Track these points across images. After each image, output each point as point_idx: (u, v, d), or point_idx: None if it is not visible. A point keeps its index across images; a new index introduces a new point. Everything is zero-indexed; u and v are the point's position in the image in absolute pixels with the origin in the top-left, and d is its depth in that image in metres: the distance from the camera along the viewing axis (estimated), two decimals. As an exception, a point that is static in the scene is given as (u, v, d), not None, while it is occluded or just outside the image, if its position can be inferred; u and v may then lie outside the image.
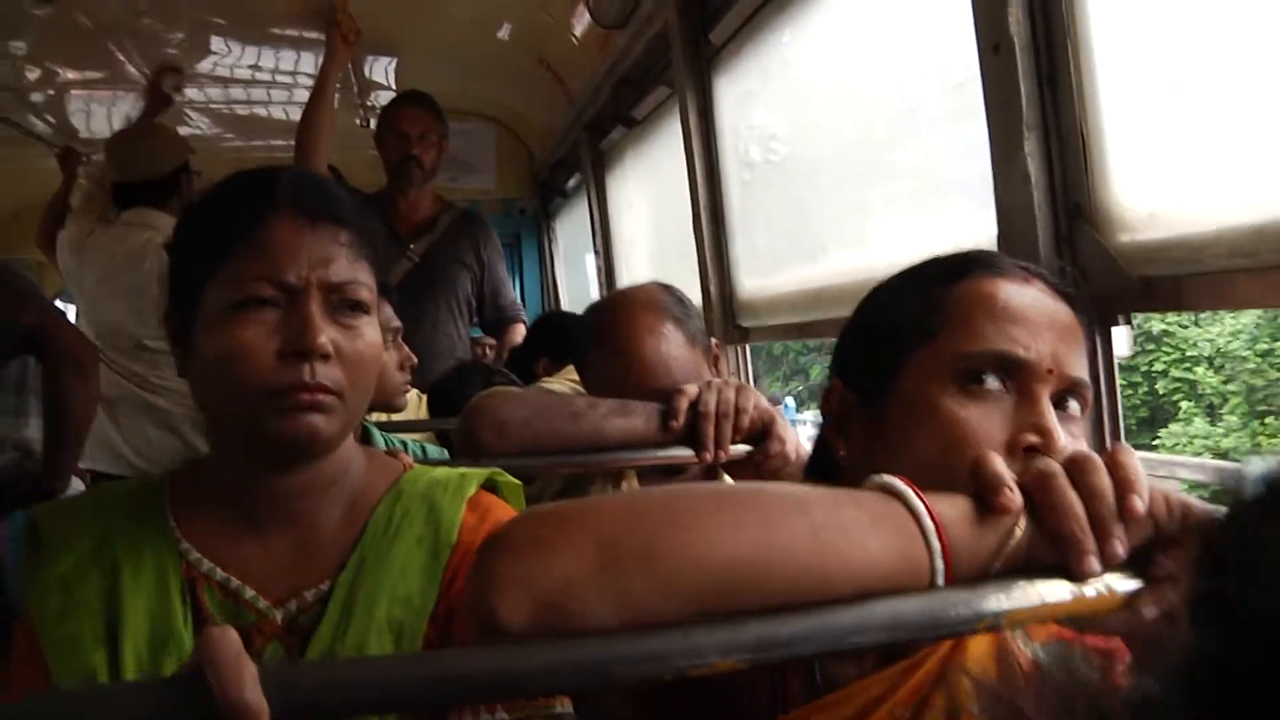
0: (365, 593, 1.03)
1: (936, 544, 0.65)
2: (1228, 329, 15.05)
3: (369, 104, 4.47)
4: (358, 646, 1.00)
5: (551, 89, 4.19)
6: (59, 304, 3.42)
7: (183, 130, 4.42)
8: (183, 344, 1.04)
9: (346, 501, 1.09)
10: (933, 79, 1.81)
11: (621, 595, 0.62)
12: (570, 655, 0.61)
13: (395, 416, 2.44)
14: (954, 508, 0.67)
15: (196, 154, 3.41)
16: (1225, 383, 15.52)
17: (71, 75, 4.06)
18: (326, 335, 0.98)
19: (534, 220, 5.48)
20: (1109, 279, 1.35)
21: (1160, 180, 1.33)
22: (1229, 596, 0.50)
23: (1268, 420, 14.74)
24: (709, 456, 1.59)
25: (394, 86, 4.45)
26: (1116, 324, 1.37)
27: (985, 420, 0.88)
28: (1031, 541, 0.67)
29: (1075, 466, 0.69)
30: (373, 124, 3.76)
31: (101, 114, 4.50)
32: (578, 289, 5.15)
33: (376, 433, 1.99)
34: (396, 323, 2.02)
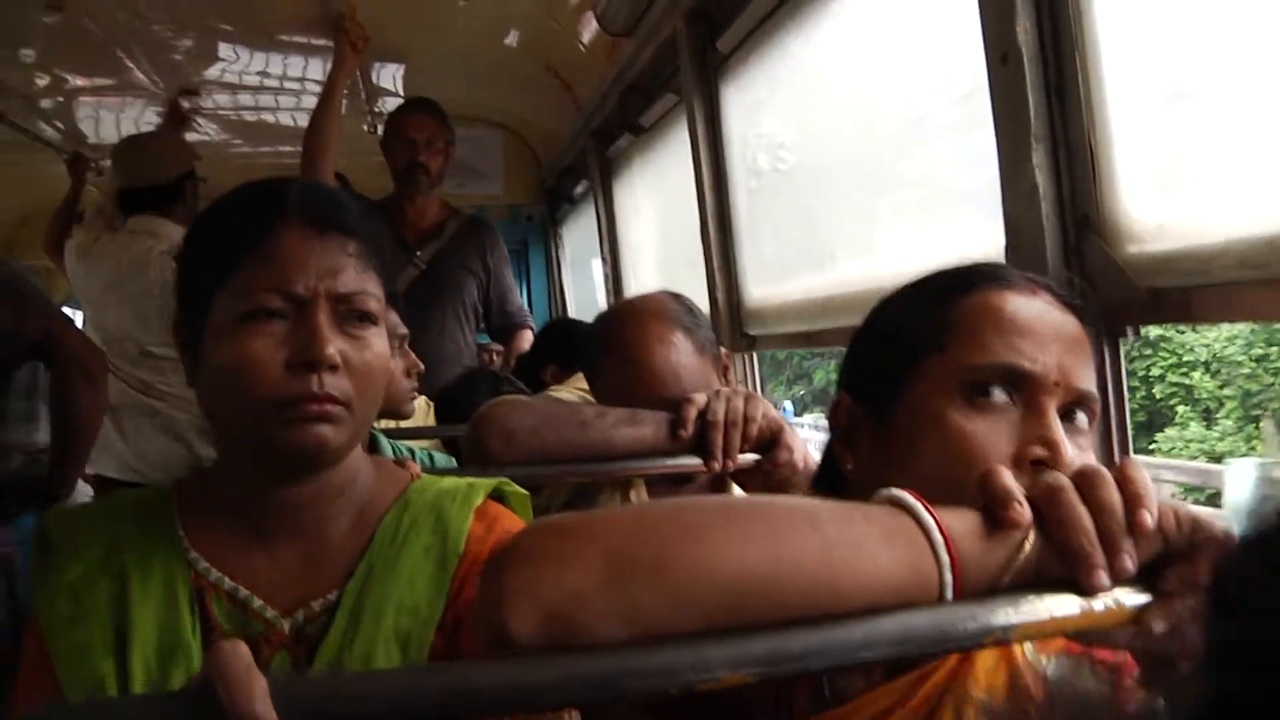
0: (373, 602, 1.03)
1: (946, 558, 0.65)
2: (1224, 334, 15.12)
3: (377, 110, 4.48)
4: (365, 656, 1.01)
5: (559, 96, 4.20)
6: (66, 310, 3.42)
7: (190, 136, 4.43)
8: (192, 353, 1.05)
9: (354, 511, 1.09)
10: (941, 89, 1.81)
11: (631, 608, 0.62)
12: (579, 668, 0.61)
13: (403, 423, 2.45)
14: (963, 522, 0.67)
15: (203, 160, 3.42)
16: (1221, 387, 15.58)
17: (80, 81, 4.07)
18: (334, 346, 0.98)
19: (541, 227, 5.48)
20: (1117, 290, 1.34)
21: (1169, 191, 1.33)
22: (1247, 641, 0.51)
23: (1262, 424, 14.78)
24: (717, 465, 1.59)
25: (402, 93, 4.46)
26: (1125, 335, 1.37)
27: (992, 433, 0.88)
28: (1040, 556, 0.67)
29: (1084, 480, 0.68)
30: (380, 130, 3.76)
31: (110, 120, 4.51)
32: (585, 295, 5.15)
33: (384, 440, 1.99)
34: (403, 329, 2.02)
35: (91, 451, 2.76)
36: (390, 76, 4.36)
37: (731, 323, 2.88)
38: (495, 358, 3.89)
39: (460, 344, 3.68)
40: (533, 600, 0.62)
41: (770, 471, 1.62)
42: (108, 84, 4.07)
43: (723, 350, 1.82)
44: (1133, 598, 0.66)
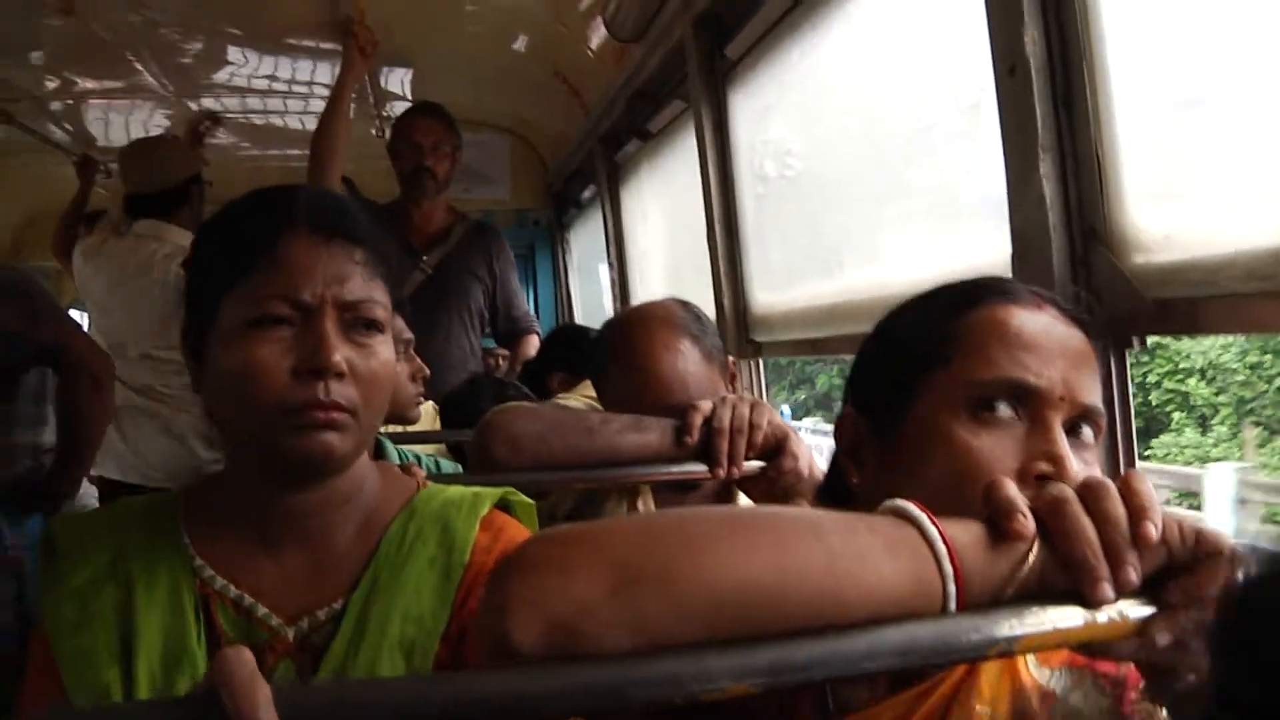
0: (378, 611, 1.03)
1: (949, 569, 0.65)
2: (1219, 342, 15.15)
3: (385, 114, 4.49)
4: (370, 666, 1.01)
5: (567, 101, 4.20)
6: (73, 313, 3.44)
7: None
8: (198, 358, 1.05)
9: (360, 519, 1.09)
10: (949, 98, 1.81)
11: (635, 618, 0.62)
12: (584, 678, 0.61)
13: (408, 428, 2.45)
14: (967, 533, 0.67)
15: (210, 164, 3.43)
16: (1216, 394, 15.61)
17: (89, 84, 4.09)
18: (341, 354, 0.98)
19: (548, 231, 5.48)
20: (1124, 301, 1.34)
21: (1176, 202, 1.32)
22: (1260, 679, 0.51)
23: (1256, 431, 14.82)
24: (722, 472, 1.59)
25: (410, 97, 4.47)
26: (1131, 346, 1.37)
27: (997, 448, 0.88)
28: (1044, 567, 0.67)
29: (1089, 492, 0.69)
30: (387, 135, 3.77)
31: (119, 123, 4.52)
32: (592, 300, 5.15)
33: (390, 446, 1.99)
34: (409, 334, 2.02)
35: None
36: (398, 81, 4.37)
37: (738, 329, 2.88)
38: (501, 363, 3.89)
39: (465, 349, 3.68)
40: (536, 610, 0.62)
41: (775, 479, 1.62)
42: (117, 87, 4.08)
43: (730, 358, 1.83)
44: (1136, 610, 0.67)
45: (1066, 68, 1.41)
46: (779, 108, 2.63)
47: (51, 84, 4.01)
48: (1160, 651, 0.67)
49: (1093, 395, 0.91)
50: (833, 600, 0.64)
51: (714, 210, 2.94)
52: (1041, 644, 0.67)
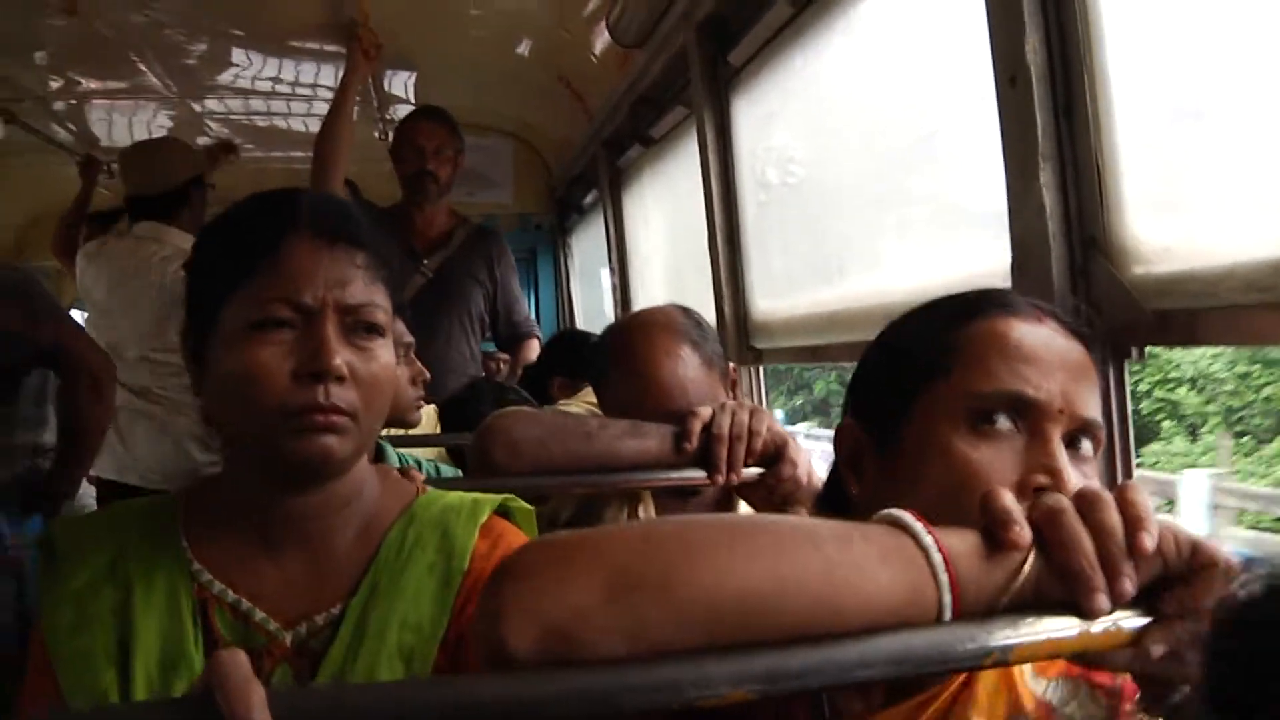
0: (377, 617, 1.03)
1: (945, 578, 0.65)
2: (1209, 352, 15.21)
3: (388, 118, 4.49)
4: (368, 672, 1.01)
5: (570, 106, 4.20)
6: (73, 313, 3.44)
7: (203, 141, 4.45)
8: (199, 362, 1.05)
9: (360, 523, 1.09)
10: (950, 106, 1.81)
11: (633, 625, 0.63)
12: (579, 683, 0.61)
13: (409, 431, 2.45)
14: (963, 542, 0.68)
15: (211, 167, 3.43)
16: (1206, 404, 15.66)
17: (93, 85, 4.09)
18: (341, 357, 0.98)
19: (550, 236, 5.49)
20: (1123, 311, 1.34)
21: (1175, 213, 1.33)
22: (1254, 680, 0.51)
23: (1243, 440, 14.90)
24: (721, 479, 1.60)
25: (413, 100, 4.47)
26: (1130, 357, 1.37)
27: (996, 460, 0.88)
28: (1040, 577, 0.67)
29: (1085, 503, 0.69)
30: (390, 138, 3.78)
31: (122, 123, 4.53)
32: (593, 305, 5.15)
33: (390, 449, 2.00)
34: (409, 338, 2.02)
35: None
36: (402, 84, 4.37)
37: (738, 336, 2.88)
38: (502, 367, 3.89)
39: (466, 353, 3.69)
40: (532, 616, 0.63)
41: (774, 486, 1.63)
42: (120, 87, 4.09)
43: (731, 365, 1.83)
44: (1132, 620, 0.67)
45: (1067, 77, 1.41)
46: (781, 115, 2.63)
47: (55, 84, 4.01)
48: (1155, 662, 0.67)
49: (1092, 409, 0.91)
50: (829, 608, 0.64)
51: (715, 216, 2.94)
52: (1036, 654, 0.67)
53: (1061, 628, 0.66)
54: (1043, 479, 0.86)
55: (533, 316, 4.18)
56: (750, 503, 1.72)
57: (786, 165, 2.63)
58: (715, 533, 0.67)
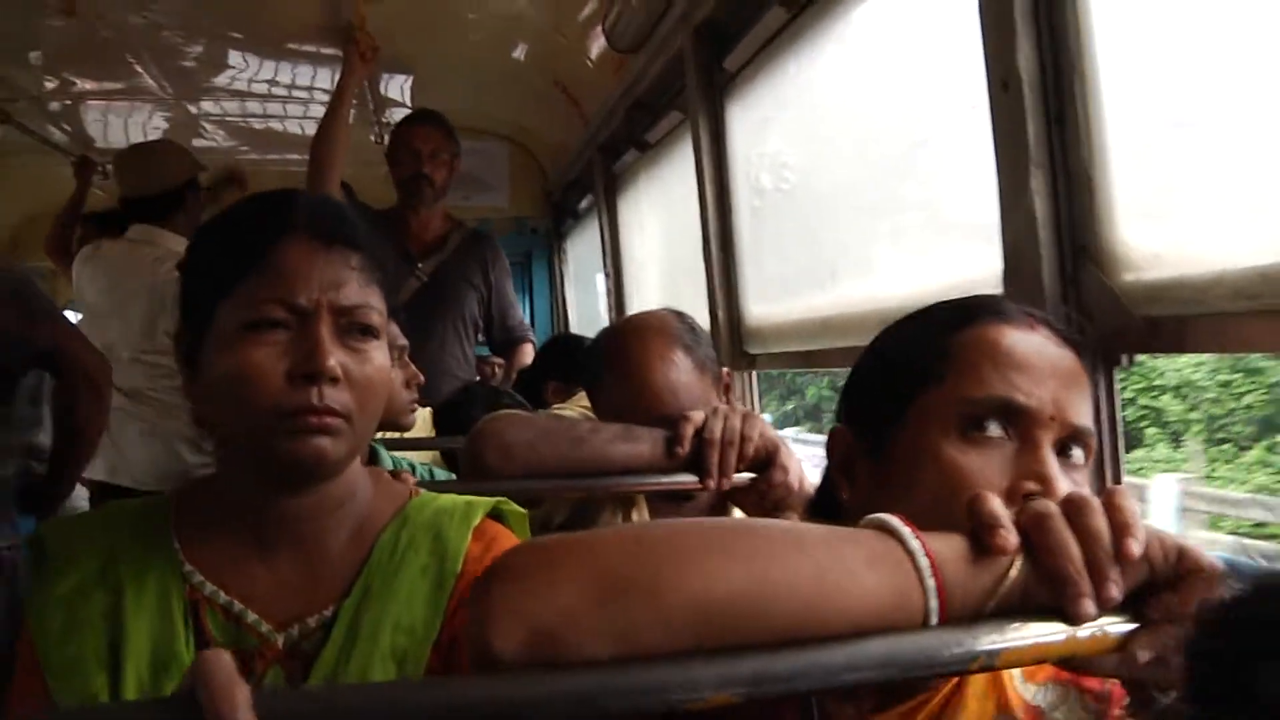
0: (370, 619, 1.03)
1: (931, 582, 0.66)
2: (1192, 360, 15.32)
3: (384, 121, 4.49)
4: (361, 674, 1.00)
5: (566, 110, 4.21)
6: (67, 314, 3.45)
7: (199, 143, 4.46)
8: (192, 363, 1.05)
9: (353, 525, 1.09)
10: (943, 113, 1.82)
11: (619, 629, 0.63)
12: (564, 685, 0.61)
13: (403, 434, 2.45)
14: (949, 546, 0.68)
15: (208, 170, 3.43)
16: (1189, 411, 15.75)
17: (89, 85, 4.09)
18: (336, 358, 0.98)
19: (545, 240, 5.49)
20: (1113, 318, 1.35)
21: (1165, 220, 1.33)
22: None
23: (1224, 446, 15.00)
24: (713, 484, 1.60)
25: (409, 104, 4.48)
26: (1120, 364, 1.37)
27: (986, 467, 0.88)
28: (1027, 582, 0.67)
29: (1072, 508, 0.69)
30: (387, 141, 3.78)
31: (118, 125, 4.53)
32: (588, 309, 5.16)
33: (384, 452, 1.99)
34: (403, 341, 2.02)
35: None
36: (398, 87, 4.38)
37: (732, 342, 2.88)
38: (496, 371, 3.90)
39: (459, 357, 3.69)
40: (518, 618, 0.63)
41: (765, 491, 1.63)
42: (116, 89, 4.09)
43: (724, 369, 1.83)
44: (1118, 626, 0.67)
45: (1059, 84, 1.42)
46: (776, 120, 2.64)
47: (51, 84, 4.01)
48: (1142, 668, 0.67)
49: (1083, 416, 0.92)
50: (816, 612, 0.64)
51: (710, 222, 2.94)
52: (1023, 659, 0.67)
53: (1048, 633, 0.66)
54: (1032, 485, 0.86)
55: (527, 321, 4.18)
56: (742, 508, 1.72)
57: (781, 171, 2.63)
58: (703, 537, 0.67)
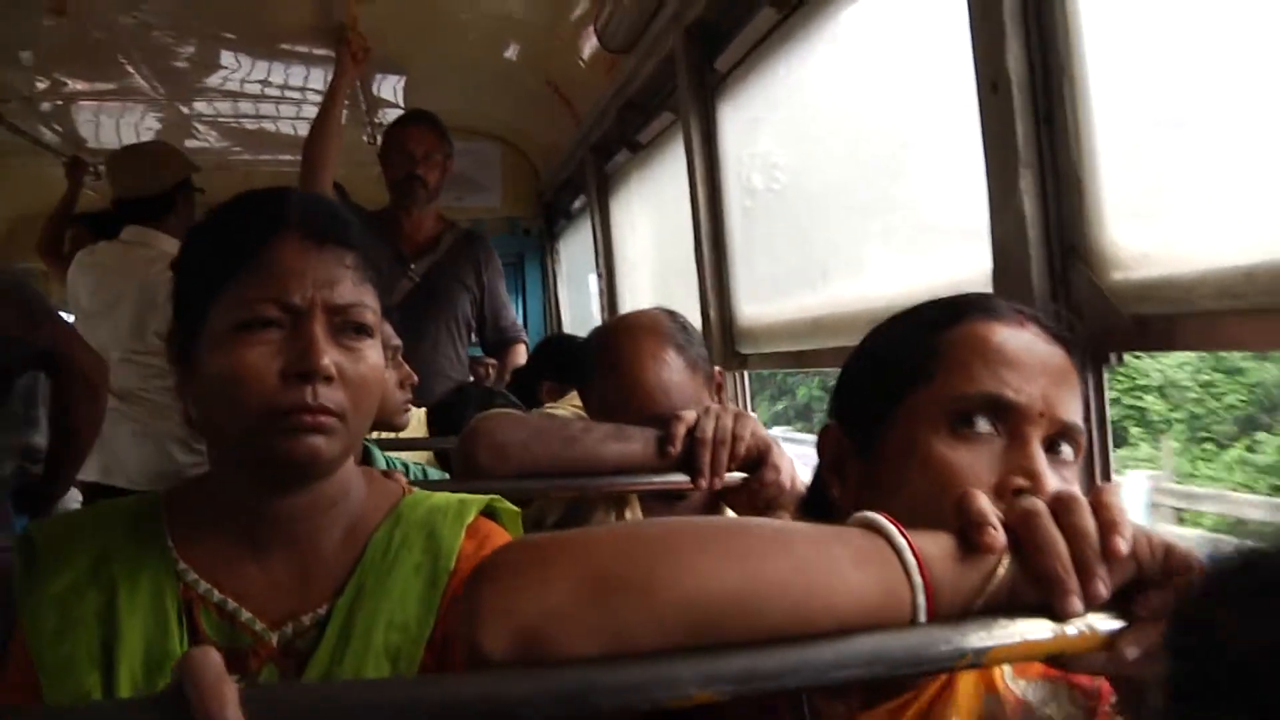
0: (363, 618, 1.03)
1: (919, 580, 0.66)
2: (1175, 361, 15.46)
3: (377, 121, 4.49)
4: (354, 672, 1.00)
5: (558, 110, 4.21)
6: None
7: (191, 144, 4.45)
8: (185, 362, 1.05)
9: (347, 524, 1.09)
10: (933, 114, 1.82)
11: (605, 627, 0.63)
12: (551, 682, 0.61)
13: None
14: (937, 544, 0.68)
15: (202, 169, 3.42)
16: (1171, 410, 15.88)
17: (80, 86, 4.08)
18: (330, 357, 0.98)
19: (538, 240, 5.49)
20: (1102, 317, 1.35)
21: (1154, 220, 1.34)
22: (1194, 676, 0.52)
23: (1206, 445, 15.14)
24: (704, 483, 1.60)
25: (402, 104, 4.47)
26: (1109, 362, 1.38)
27: (976, 463, 0.88)
28: (1015, 580, 0.68)
29: (1060, 506, 0.69)
30: (379, 141, 3.78)
31: (110, 125, 4.52)
32: (581, 310, 5.16)
33: (377, 452, 1.99)
34: (396, 341, 2.02)
35: (82, 457, 2.77)
36: (390, 88, 4.38)
37: (724, 342, 2.88)
38: (490, 372, 3.90)
39: (452, 358, 3.69)
40: (507, 617, 0.63)
41: (757, 491, 1.63)
42: (108, 89, 4.08)
43: (716, 369, 1.83)
44: (1106, 623, 0.67)
45: (1048, 85, 1.42)
46: (767, 121, 2.64)
47: (42, 84, 4.00)
48: (1129, 665, 0.68)
49: (1073, 413, 0.92)
50: (802, 610, 0.64)
51: (701, 222, 2.94)
52: (1010, 656, 0.67)
53: (1036, 630, 0.66)
54: (1021, 481, 0.87)
55: (520, 321, 4.18)
56: (734, 507, 1.72)
57: (771, 171, 2.64)
58: (690, 536, 0.67)
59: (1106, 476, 1.40)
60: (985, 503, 0.70)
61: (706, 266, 2.94)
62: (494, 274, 3.81)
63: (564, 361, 2.91)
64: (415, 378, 2.17)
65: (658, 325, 1.75)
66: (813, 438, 1.07)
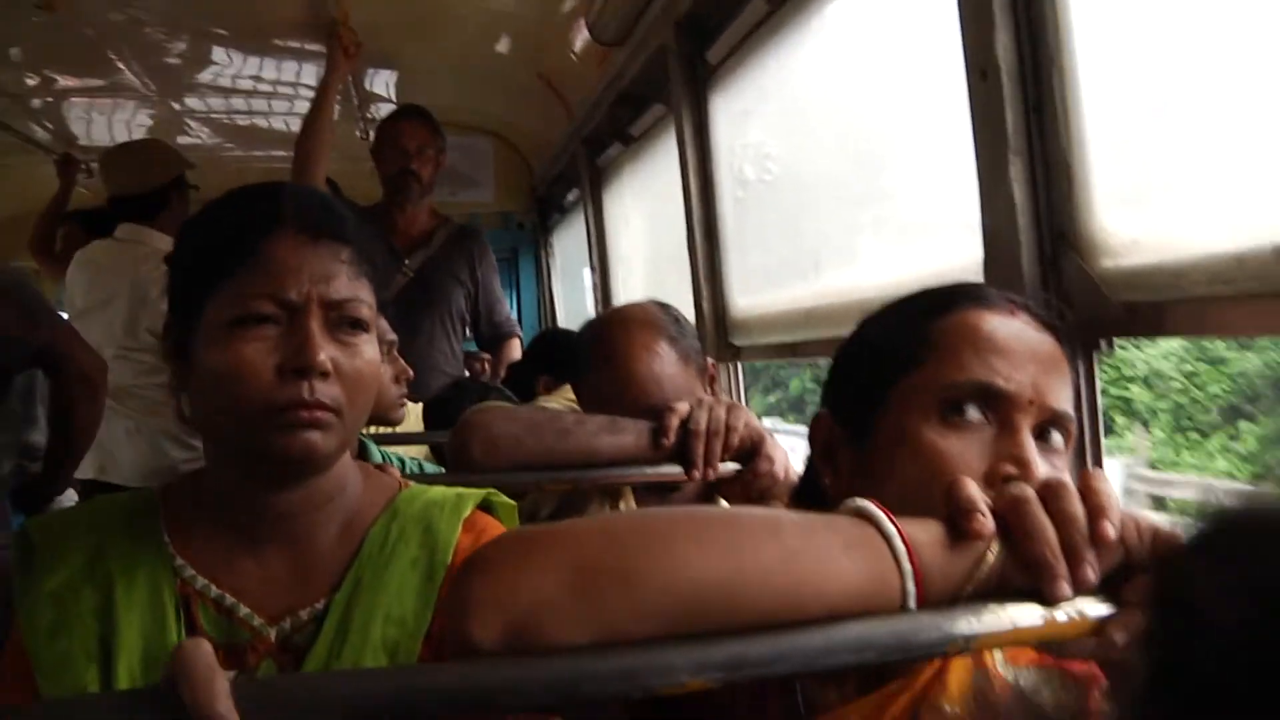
0: (361, 613, 1.03)
1: (908, 566, 0.66)
2: (1160, 351, 15.57)
3: (369, 116, 4.48)
4: (353, 666, 1.00)
5: (551, 104, 4.20)
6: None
7: (183, 140, 4.43)
8: (180, 358, 1.05)
9: (343, 519, 1.09)
10: (923, 103, 1.82)
11: (594, 617, 0.63)
12: (540, 671, 0.61)
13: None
14: (926, 531, 0.68)
15: (195, 165, 3.42)
16: (1156, 400, 16.00)
17: (71, 82, 4.06)
18: (326, 353, 0.98)
19: (532, 235, 5.49)
20: (1092, 304, 1.35)
21: (1143, 206, 1.34)
22: (1173, 639, 0.52)
23: (1189, 435, 15.24)
24: (698, 474, 1.60)
25: (394, 99, 4.46)
26: (1099, 349, 1.38)
27: (966, 451, 0.89)
28: (1004, 566, 0.68)
29: (1048, 492, 0.69)
30: (372, 137, 3.77)
31: (101, 122, 4.51)
32: (575, 303, 5.16)
33: (373, 447, 2.00)
34: (392, 335, 2.03)
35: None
36: (383, 83, 4.37)
37: (717, 333, 2.89)
38: (485, 367, 3.90)
39: (447, 353, 3.68)
40: (496, 608, 0.63)
41: (751, 481, 1.63)
42: (99, 85, 4.06)
43: (710, 360, 1.83)
44: (1095, 608, 0.67)
45: (1037, 73, 1.42)
46: (758, 112, 2.64)
47: (31, 81, 3.99)
48: (1119, 650, 0.68)
49: (1063, 401, 0.92)
50: (791, 598, 0.65)
51: (694, 213, 2.94)
52: (1000, 642, 0.68)
53: (1025, 616, 0.66)
54: (1011, 469, 0.87)
55: (514, 315, 4.18)
56: (727, 499, 1.72)
57: (763, 162, 2.64)
58: (678, 525, 0.68)
59: (1098, 463, 1.40)
60: (974, 489, 0.70)
61: (699, 258, 2.94)
62: (488, 269, 3.81)
63: (561, 356, 2.91)
64: (410, 373, 2.17)
65: (651, 317, 1.75)
66: (805, 429, 1.07)
